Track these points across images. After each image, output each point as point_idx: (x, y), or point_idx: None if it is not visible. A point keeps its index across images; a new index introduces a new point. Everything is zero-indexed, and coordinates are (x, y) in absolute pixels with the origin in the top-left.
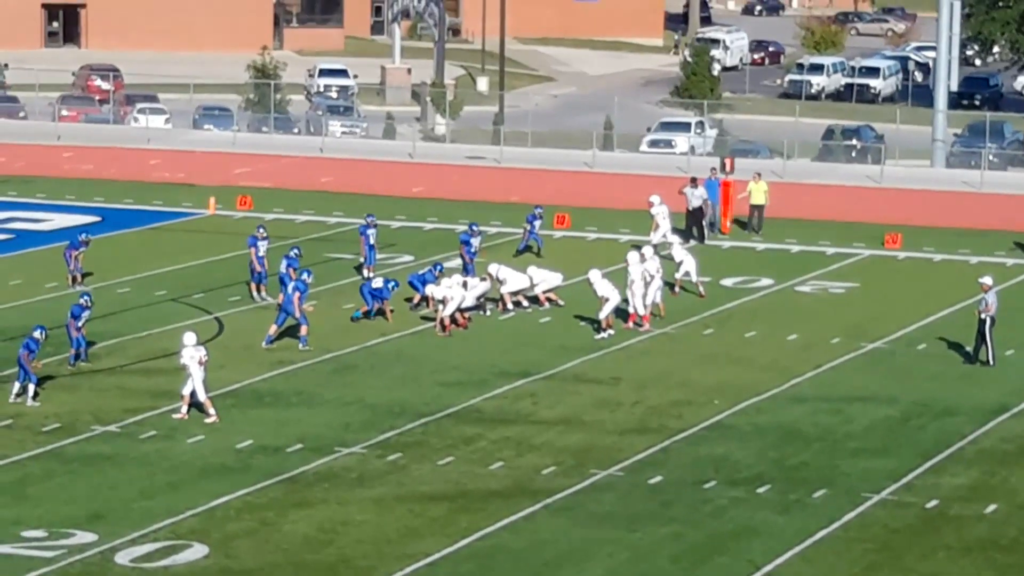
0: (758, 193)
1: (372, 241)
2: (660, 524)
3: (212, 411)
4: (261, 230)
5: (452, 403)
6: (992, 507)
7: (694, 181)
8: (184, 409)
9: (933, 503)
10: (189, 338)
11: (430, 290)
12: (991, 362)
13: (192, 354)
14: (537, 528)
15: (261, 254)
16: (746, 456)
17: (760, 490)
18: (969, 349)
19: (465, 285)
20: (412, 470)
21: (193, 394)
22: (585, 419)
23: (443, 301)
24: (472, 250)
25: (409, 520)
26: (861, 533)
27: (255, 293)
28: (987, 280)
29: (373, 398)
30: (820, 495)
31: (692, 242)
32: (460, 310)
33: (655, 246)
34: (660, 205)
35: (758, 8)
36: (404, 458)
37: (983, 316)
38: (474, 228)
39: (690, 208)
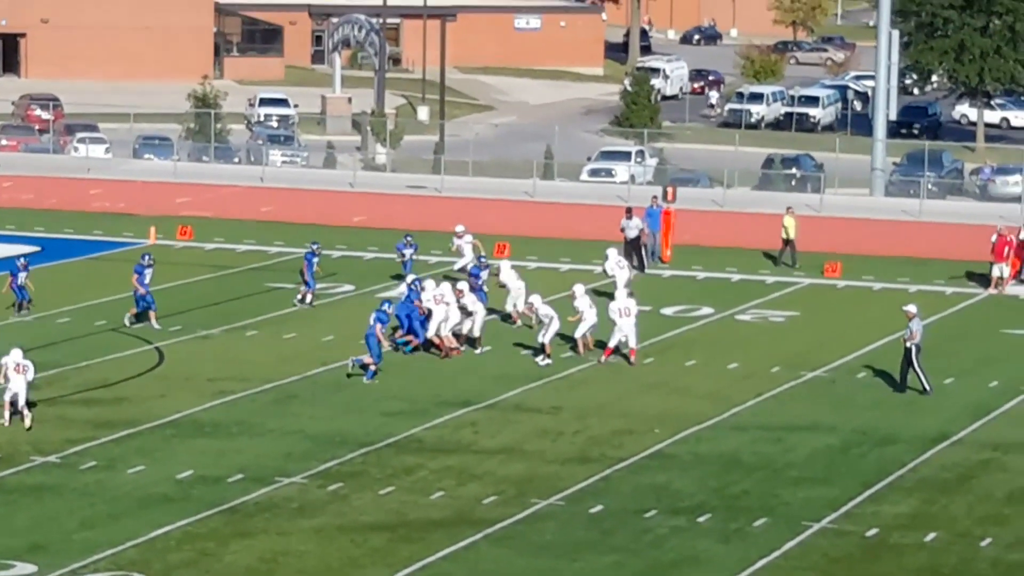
0: (790, 227)
1: (315, 269)
2: (601, 553)
3: (6, 414)
4: (146, 258)
5: (393, 432)
6: (932, 535)
7: (629, 212)
8: (7, 415)
9: (873, 531)
10: (15, 353)
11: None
12: (927, 389)
13: (13, 364)
14: (478, 558)
15: (147, 281)
16: (687, 485)
17: (701, 519)
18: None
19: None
20: (353, 500)
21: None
22: (526, 448)
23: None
24: (480, 282)
25: (350, 550)
26: (801, 562)
27: (130, 319)
28: (911, 308)
29: (314, 428)
30: (761, 524)
31: (634, 271)
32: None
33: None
34: (466, 233)
35: (696, 37)
36: (345, 488)
37: (908, 344)
38: (482, 260)
39: (627, 239)
